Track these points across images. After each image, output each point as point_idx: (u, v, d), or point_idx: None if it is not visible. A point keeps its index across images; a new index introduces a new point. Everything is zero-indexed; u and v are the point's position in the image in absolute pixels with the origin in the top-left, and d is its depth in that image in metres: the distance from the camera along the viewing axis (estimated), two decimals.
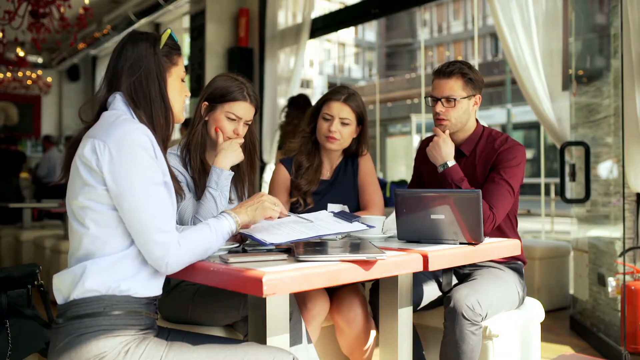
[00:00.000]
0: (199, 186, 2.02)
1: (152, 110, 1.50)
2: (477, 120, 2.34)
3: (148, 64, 1.50)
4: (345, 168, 2.47)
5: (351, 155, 2.48)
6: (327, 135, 2.34)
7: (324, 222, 1.75)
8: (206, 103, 2.06)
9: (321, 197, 2.40)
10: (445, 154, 2.20)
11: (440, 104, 2.23)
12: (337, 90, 2.39)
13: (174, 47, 1.57)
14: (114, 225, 1.40)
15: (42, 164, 8.21)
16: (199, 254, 1.44)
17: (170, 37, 1.56)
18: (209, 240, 1.46)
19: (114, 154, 1.37)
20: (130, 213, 1.37)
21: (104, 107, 1.52)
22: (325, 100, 2.39)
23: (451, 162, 2.19)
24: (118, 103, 1.49)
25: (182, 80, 1.60)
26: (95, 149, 1.38)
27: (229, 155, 1.97)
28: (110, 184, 1.37)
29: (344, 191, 2.43)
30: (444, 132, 2.25)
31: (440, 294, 2.24)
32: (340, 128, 2.34)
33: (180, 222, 1.94)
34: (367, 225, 1.78)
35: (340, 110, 2.33)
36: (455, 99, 2.20)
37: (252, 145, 2.16)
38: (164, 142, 1.53)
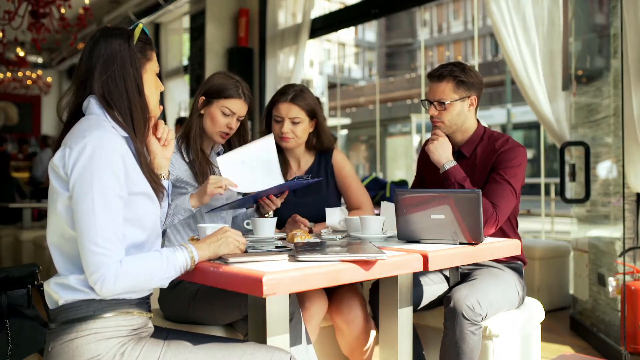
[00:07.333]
0: (199, 174, 2.15)
1: (129, 107, 1.46)
2: (478, 122, 2.34)
3: (123, 60, 1.46)
4: (318, 169, 2.47)
5: (322, 152, 2.48)
6: (280, 136, 2.36)
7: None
8: (203, 97, 2.20)
9: (299, 198, 2.41)
10: (440, 156, 2.21)
11: (433, 107, 2.26)
12: (284, 91, 2.40)
13: (146, 41, 1.54)
14: None
15: (35, 165, 8.16)
16: (143, 280, 1.36)
17: (143, 31, 1.53)
18: (157, 268, 1.37)
19: (79, 161, 1.33)
20: (79, 218, 1.32)
21: (80, 111, 1.48)
22: (273, 102, 2.41)
23: (449, 164, 2.19)
24: (93, 107, 1.46)
25: (157, 75, 1.58)
26: (64, 156, 1.36)
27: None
28: (70, 188, 1.35)
29: (321, 191, 2.43)
30: (437, 133, 2.26)
31: (440, 293, 2.24)
32: (291, 127, 2.36)
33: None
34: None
35: (289, 111, 2.35)
36: (445, 102, 2.22)
37: (244, 141, 2.29)
38: (142, 140, 1.50)
